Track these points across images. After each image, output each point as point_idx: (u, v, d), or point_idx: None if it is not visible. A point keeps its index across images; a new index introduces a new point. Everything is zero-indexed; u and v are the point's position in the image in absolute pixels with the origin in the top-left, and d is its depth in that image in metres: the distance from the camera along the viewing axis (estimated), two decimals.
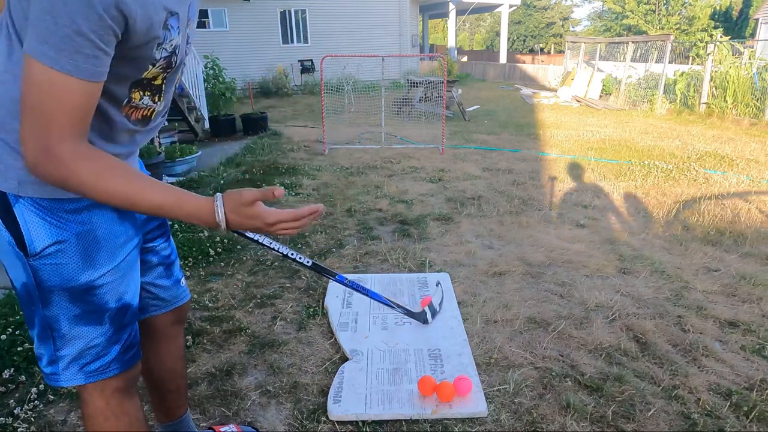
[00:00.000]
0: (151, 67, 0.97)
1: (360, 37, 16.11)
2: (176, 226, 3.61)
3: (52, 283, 1.02)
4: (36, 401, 1.88)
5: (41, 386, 1.95)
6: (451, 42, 21.58)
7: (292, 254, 1.69)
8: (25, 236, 0.98)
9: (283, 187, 1.32)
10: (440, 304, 2.51)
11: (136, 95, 1.01)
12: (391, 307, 2.25)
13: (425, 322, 2.38)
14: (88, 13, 0.79)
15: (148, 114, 1.07)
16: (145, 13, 0.87)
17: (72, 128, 0.88)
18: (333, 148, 6.78)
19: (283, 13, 15.69)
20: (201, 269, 3.03)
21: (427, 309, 2.44)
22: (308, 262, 1.77)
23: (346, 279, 2.03)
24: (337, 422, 1.81)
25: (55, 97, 0.84)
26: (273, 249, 1.49)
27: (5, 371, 2.03)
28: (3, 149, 0.94)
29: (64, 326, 1.06)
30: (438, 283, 2.68)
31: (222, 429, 1.69)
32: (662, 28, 28.63)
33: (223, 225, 1.00)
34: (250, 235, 1.40)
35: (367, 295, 2.12)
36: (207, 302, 2.66)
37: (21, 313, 2.38)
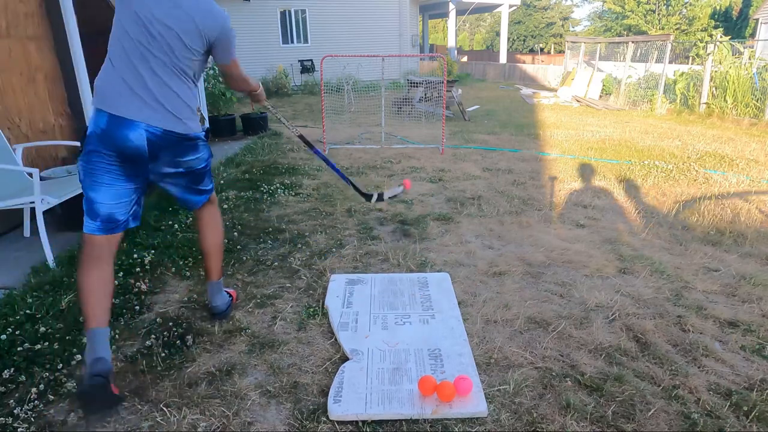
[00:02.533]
0: None
1: (360, 37, 16.10)
2: (176, 226, 3.61)
3: None
4: (36, 401, 1.88)
5: (41, 386, 1.95)
6: (451, 42, 21.57)
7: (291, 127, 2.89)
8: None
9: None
10: (392, 197, 3.07)
11: None
12: (346, 181, 3.04)
13: (369, 200, 3.02)
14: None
15: None
16: None
17: None
18: (333, 148, 6.78)
19: (283, 13, 15.69)
20: (201, 269, 3.02)
21: (376, 194, 3.03)
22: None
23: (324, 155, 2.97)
24: (337, 422, 1.81)
25: (239, 65, 2.23)
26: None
27: (5, 371, 2.03)
28: (196, 117, 2.12)
29: None
30: (401, 185, 3.09)
31: None
32: (662, 28, 28.61)
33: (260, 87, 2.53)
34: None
35: (324, 161, 2.97)
36: (206, 301, 2.65)
37: (21, 312, 2.39)
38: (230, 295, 2.59)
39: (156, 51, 1.90)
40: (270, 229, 3.69)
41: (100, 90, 1.91)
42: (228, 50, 2.09)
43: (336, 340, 2.32)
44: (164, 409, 1.86)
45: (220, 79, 8.08)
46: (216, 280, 2.47)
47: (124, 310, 2.52)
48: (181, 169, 2.11)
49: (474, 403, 1.87)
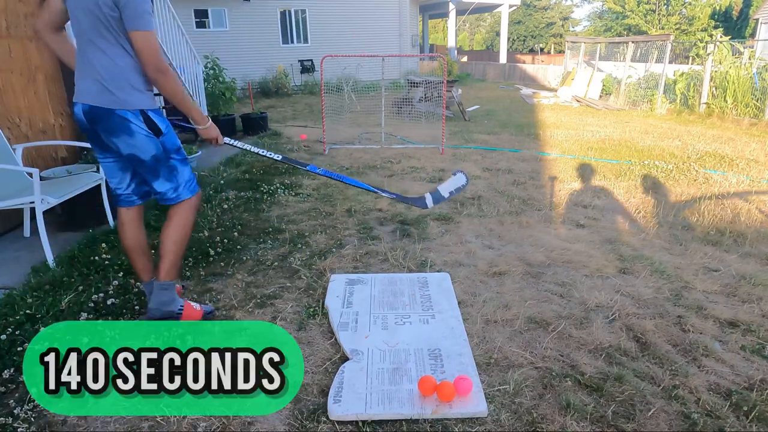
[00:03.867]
0: None
1: (360, 37, 16.10)
2: None
3: (170, 146, 2.20)
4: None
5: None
6: (451, 42, 21.57)
7: (263, 152, 2.60)
8: (159, 125, 2.14)
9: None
10: (451, 192, 2.50)
11: None
12: (384, 193, 2.62)
13: (424, 206, 2.54)
14: (149, 4, 1.98)
15: None
16: None
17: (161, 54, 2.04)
18: (333, 148, 6.78)
19: (283, 13, 15.69)
20: (201, 269, 3.03)
21: (428, 194, 2.55)
22: (278, 156, 2.61)
23: (318, 168, 2.64)
24: (337, 422, 1.81)
25: (155, 41, 2.00)
26: (247, 149, 2.54)
27: (5, 371, 2.03)
28: (138, 91, 2.09)
29: (178, 167, 2.24)
30: (455, 173, 2.59)
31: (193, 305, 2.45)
32: (662, 28, 28.61)
33: (208, 123, 2.32)
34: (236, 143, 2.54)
35: (343, 182, 2.68)
36: (207, 302, 2.65)
37: (21, 312, 2.39)
38: (181, 310, 2.35)
39: (86, 26, 1.99)
40: (270, 229, 3.69)
41: None
42: (133, 14, 1.94)
43: (336, 340, 2.32)
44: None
45: (220, 80, 8.10)
46: (158, 280, 2.29)
47: (124, 310, 2.52)
48: (124, 153, 2.13)
49: (474, 403, 1.87)
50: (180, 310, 2.34)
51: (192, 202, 2.32)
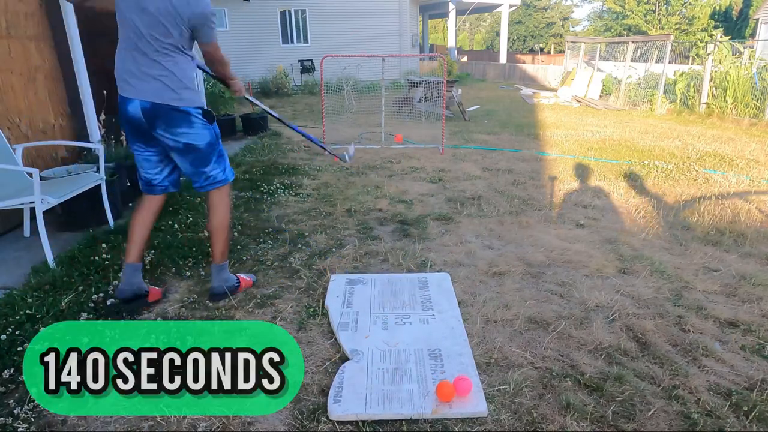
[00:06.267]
0: None
1: (360, 37, 16.10)
2: (176, 226, 3.61)
3: (218, 133, 2.55)
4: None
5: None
6: (451, 42, 21.58)
7: (283, 118, 3.37)
8: (212, 114, 2.48)
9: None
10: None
11: None
12: (319, 145, 3.76)
13: (343, 159, 3.85)
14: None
15: None
16: None
17: None
18: (333, 148, 6.76)
19: (283, 13, 15.69)
20: (201, 269, 3.03)
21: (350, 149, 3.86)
22: (295, 126, 3.51)
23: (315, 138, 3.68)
24: (337, 422, 1.81)
25: (218, 47, 2.45)
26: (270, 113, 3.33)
27: (5, 371, 2.03)
28: (194, 91, 2.42)
29: (224, 151, 2.61)
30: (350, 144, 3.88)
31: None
32: (662, 28, 28.61)
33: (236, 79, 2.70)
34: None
35: (292, 128, 3.57)
36: (207, 302, 2.66)
37: (21, 312, 2.39)
38: (238, 282, 2.75)
39: (145, 34, 2.25)
40: (270, 229, 3.69)
41: (116, 77, 2.37)
42: (206, 33, 2.35)
43: (336, 340, 2.32)
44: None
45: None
46: (217, 263, 2.66)
47: (124, 311, 2.52)
48: (180, 144, 2.40)
49: (474, 403, 1.87)
50: (237, 283, 2.74)
51: (230, 185, 2.68)
